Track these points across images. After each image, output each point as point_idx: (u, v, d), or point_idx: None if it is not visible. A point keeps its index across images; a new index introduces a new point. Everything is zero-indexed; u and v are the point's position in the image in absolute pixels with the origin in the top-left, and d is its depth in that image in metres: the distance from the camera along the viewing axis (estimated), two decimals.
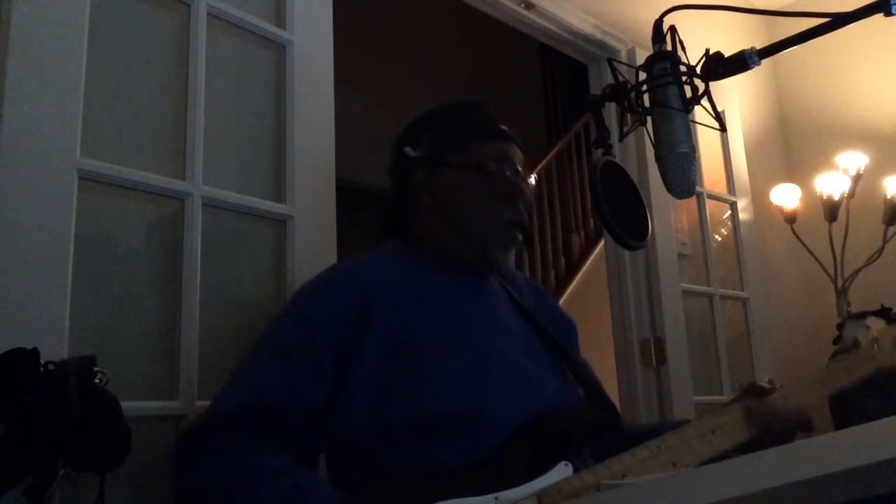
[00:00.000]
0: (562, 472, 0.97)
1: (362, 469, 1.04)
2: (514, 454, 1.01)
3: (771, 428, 1.09)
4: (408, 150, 1.25)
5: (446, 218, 1.22)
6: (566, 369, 1.20)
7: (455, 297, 1.17)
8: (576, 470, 0.97)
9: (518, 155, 1.25)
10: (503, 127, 1.27)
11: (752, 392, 1.14)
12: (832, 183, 3.08)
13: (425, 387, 1.05)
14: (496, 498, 0.93)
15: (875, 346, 1.19)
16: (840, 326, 2.76)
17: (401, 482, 0.99)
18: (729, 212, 2.94)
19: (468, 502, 0.92)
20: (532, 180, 1.27)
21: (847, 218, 3.04)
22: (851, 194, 3.10)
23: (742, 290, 2.87)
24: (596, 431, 1.11)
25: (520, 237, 1.22)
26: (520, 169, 1.23)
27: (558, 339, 1.23)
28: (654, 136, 0.96)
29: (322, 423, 1.05)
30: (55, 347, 1.11)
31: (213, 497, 0.98)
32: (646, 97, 0.98)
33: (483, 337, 1.13)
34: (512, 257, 1.24)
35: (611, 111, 1.26)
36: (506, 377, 1.09)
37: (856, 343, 1.22)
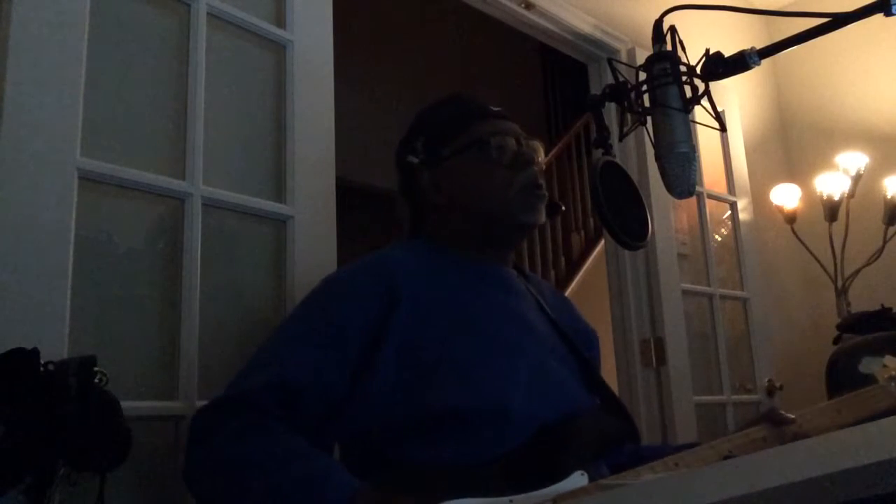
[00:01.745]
0: (577, 480, 0.97)
1: (376, 461, 1.04)
2: (532, 456, 1.00)
3: None
4: (409, 159, 1.25)
5: (462, 207, 1.22)
6: (586, 375, 1.20)
7: (478, 291, 1.17)
8: (591, 479, 0.97)
9: (511, 126, 1.25)
10: (487, 105, 1.27)
11: (772, 420, 1.13)
12: (832, 183, 3.09)
13: (447, 381, 1.04)
14: (511, 500, 0.93)
15: (892, 383, 1.20)
16: (840, 327, 2.76)
17: (416, 476, 0.98)
18: (729, 212, 2.94)
19: (483, 503, 0.92)
20: (537, 146, 1.25)
21: (847, 218, 3.05)
22: (851, 194, 3.11)
23: (742, 290, 2.87)
24: (613, 441, 1.11)
25: (541, 195, 1.22)
26: (518, 138, 1.23)
27: (580, 346, 1.23)
28: (654, 136, 0.96)
29: (342, 410, 1.05)
30: (55, 347, 1.11)
31: (229, 474, 0.98)
32: (646, 97, 0.98)
33: (507, 332, 1.13)
34: (541, 217, 1.23)
35: (611, 111, 1.27)
36: (528, 375, 1.08)
37: (872, 379, 1.22)
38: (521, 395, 1.05)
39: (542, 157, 1.26)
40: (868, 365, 1.24)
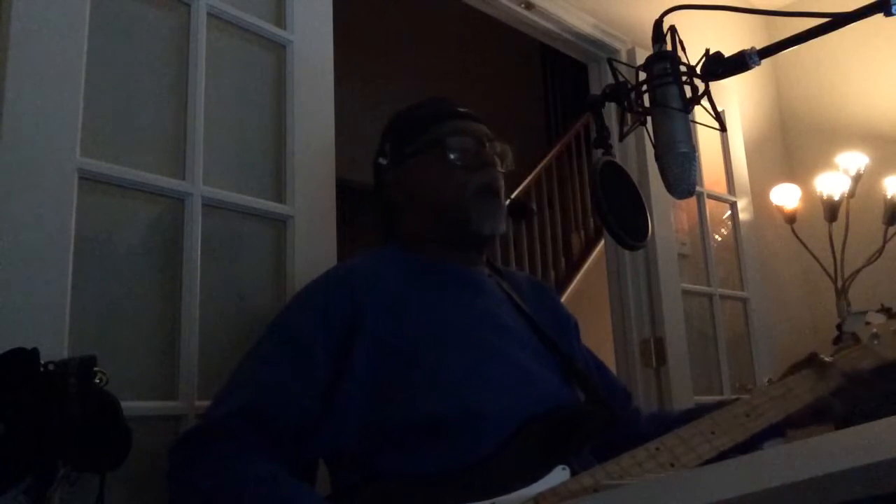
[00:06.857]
0: (559, 475, 0.97)
1: (360, 473, 1.04)
2: (511, 456, 1.00)
3: (852, 378, 1.10)
4: (379, 161, 1.28)
5: (420, 208, 1.23)
6: (565, 369, 1.20)
7: (450, 295, 1.17)
8: (574, 472, 0.97)
9: (475, 127, 1.24)
10: (452, 105, 1.27)
11: (814, 364, 1.14)
12: (832, 183, 3.09)
13: (420, 388, 1.04)
14: (493, 503, 0.93)
15: (875, 341, 1.18)
16: (840, 327, 2.76)
17: (396, 486, 0.98)
18: (729, 212, 2.95)
19: None
20: (504, 150, 1.25)
21: (847, 218, 3.05)
22: (851, 194, 3.11)
23: (742, 290, 2.87)
24: (595, 432, 1.10)
25: (495, 203, 1.21)
26: (479, 139, 1.22)
27: (557, 338, 1.22)
28: (654, 136, 0.96)
29: (317, 427, 1.04)
30: (55, 347, 1.11)
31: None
32: (646, 97, 0.98)
33: (480, 335, 1.12)
34: (498, 227, 1.21)
35: (611, 111, 1.26)
36: (503, 376, 1.08)
37: (855, 338, 1.21)
38: (496, 396, 1.05)
39: (508, 161, 1.25)
40: (852, 323, 1.23)
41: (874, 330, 1.19)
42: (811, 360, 1.15)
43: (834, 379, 1.13)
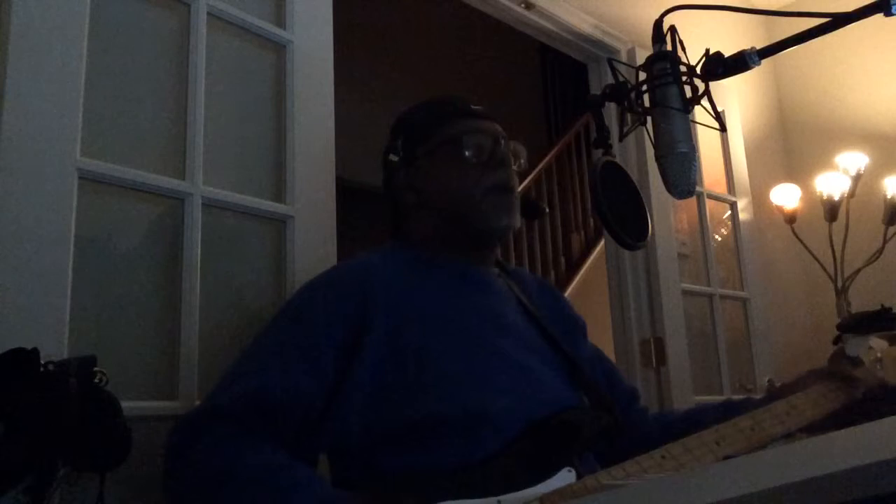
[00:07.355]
0: (565, 478, 0.97)
1: (362, 469, 1.04)
2: (515, 456, 1.00)
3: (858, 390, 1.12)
4: (390, 157, 1.27)
5: (431, 208, 1.22)
6: (569, 370, 1.20)
7: (456, 294, 1.17)
8: (580, 475, 0.97)
9: (489, 126, 1.23)
10: (467, 104, 1.26)
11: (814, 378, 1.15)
12: (832, 183, 3.09)
13: (425, 387, 1.04)
14: (499, 501, 0.93)
15: (878, 366, 1.19)
16: (840, 327, 2.75)
17: (400, 482, 0.98)
18: (729, 212, 2.94)
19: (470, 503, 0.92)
20: (518, 149, 1.24)
21: (847, 218, 3.05)
22: (851, 194, 3.11)
23: (742, 290, 2.87)
24: (598, 435, 1.11)
25: (510, 199, 1.20)
26: (494, 138, 1.22)
27: (563, 340, 1.22)
28: (654, 136, 0.96)
29: (320, 422, 1.04)
30: (55, 347, 1.11)
31: (207, 488, 0.97)
32: (646, 97, 0.98)
33: (485, 335, 1.12)
34: (513, 221, 1.21)
35: (611, 111, 1.26)
36: (508, 377, 1.08)
37: (859, 362, 1.22)
38: (502, 397, 1.05)
39: (522, 160, 1.25)
40: (854, 347, 1.24)
41: (878, 355, 1.20)
42: (816, 376, 1.16)
43: (839, 399, 1.14)
